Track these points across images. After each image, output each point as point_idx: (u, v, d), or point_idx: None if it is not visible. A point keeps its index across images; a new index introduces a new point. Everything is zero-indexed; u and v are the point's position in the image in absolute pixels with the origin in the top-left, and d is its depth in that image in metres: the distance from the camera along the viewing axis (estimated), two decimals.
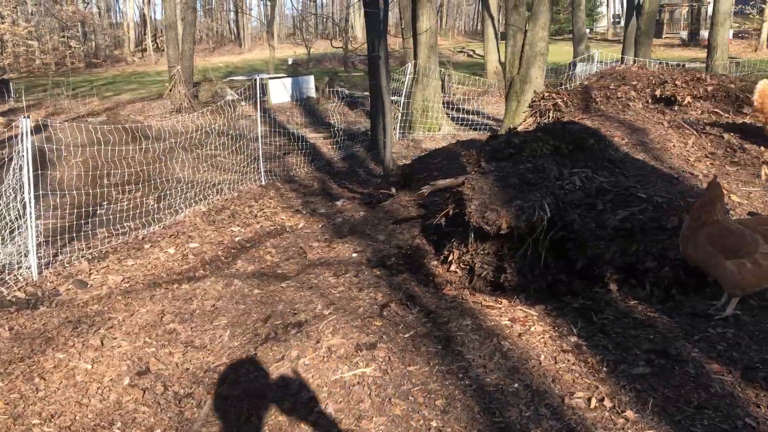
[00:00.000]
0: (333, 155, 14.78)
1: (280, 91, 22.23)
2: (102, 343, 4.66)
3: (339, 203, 10.05)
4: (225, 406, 3.65)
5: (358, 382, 3.53)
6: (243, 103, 19.09)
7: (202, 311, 5.10)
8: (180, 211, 9.67)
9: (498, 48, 29.38)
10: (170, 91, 20.99)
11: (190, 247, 8.36)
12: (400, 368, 3.66)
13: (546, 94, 7.94)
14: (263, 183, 11.68)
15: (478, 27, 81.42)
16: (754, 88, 6.74)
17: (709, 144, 6.65)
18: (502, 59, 28.23)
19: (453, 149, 9.09)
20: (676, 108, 7.89)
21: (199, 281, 5.85)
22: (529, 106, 8.12)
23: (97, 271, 7.09)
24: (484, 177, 5.21)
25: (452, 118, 18.55)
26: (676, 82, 8.08)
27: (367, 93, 18.23)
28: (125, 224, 8.61)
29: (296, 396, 3.54)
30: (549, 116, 7.70)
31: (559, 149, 5.81)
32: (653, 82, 8.23)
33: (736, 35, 39.63)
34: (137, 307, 5.29)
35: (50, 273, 6.98)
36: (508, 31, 16.14)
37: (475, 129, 17.60)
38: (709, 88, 7.92)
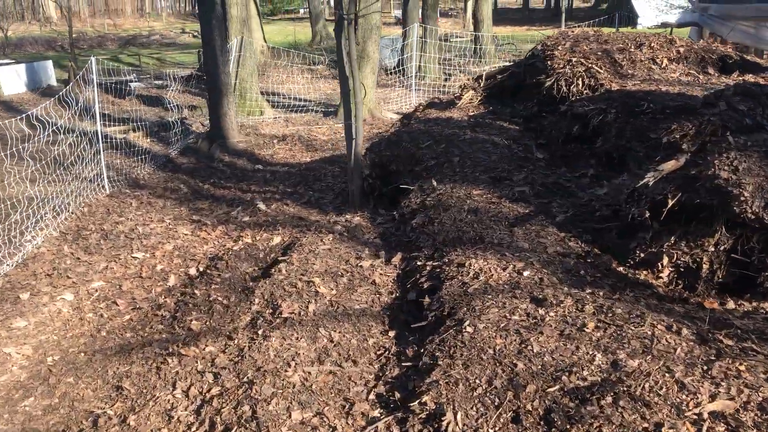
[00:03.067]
0: (165, 151, 11.92)
1: (13, 80, 17.82)
2: None
3: (261, 205, 7.70)
4: None
5: None
6: None
7: None
8: (29, 239, 6.72)
9: (261, 26, 27.39)
10: None
11: (93, 288, 5.71)
12: None
13: (573, 59, 6.52)
14: (108, 192, 8.79)
15: (187, 7, 77.33)
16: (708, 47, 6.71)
17: None
18: (266, 38, 26.38)
19: (417, 127, 7.19)
20: (658, 70, 7.06)
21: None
22: (547, 72, 6.60)
23: None
24: (743, 154, 3.60)
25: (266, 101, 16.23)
26: (652, 45, 7.24)
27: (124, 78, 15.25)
28: None
29: None
30: (579, 82, 6.27)
31: None
32: (635, 44, 7.26)
33: (443, 14, 43.09)
34: None
35: None
36: (341, 1, 14.30)
37: (305, 111, 15.53)
38: (681, 50, 7.18)
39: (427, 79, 18.94)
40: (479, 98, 8.42)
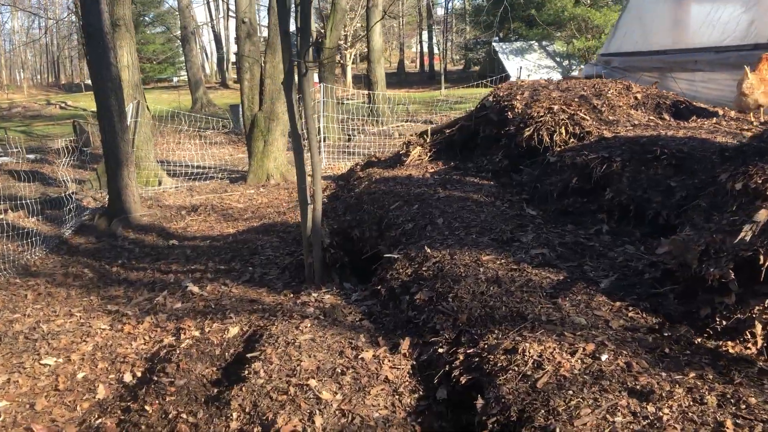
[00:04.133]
0: (56, 231, 10.44)
1: None
2: None
3: (193, 288, 6.57)
4: None
5: None
6: None
7: None
8: None
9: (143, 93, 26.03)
10: None
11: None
12: None
13: (555, 106, 5.99)
14: None
15: (50, 78, 73.59)
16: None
17: None
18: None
19: (376, 187, 6.40)
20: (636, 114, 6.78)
21: None
22: (516, 123, 6.03)
23: None
24: None
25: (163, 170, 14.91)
26: (611, 92, 6.97)
27: None
28: None
29: None
30: (562, 131, 5.75)
31: None
32: (594, 91, 6.97)
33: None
34: None
35: None
36: (243, 63, 13.57)
37: (207, 178, 14.35)
38: (639, 96, 6.96)
39: (330, 139, 18.27)
40: (428, 155, 7.73)
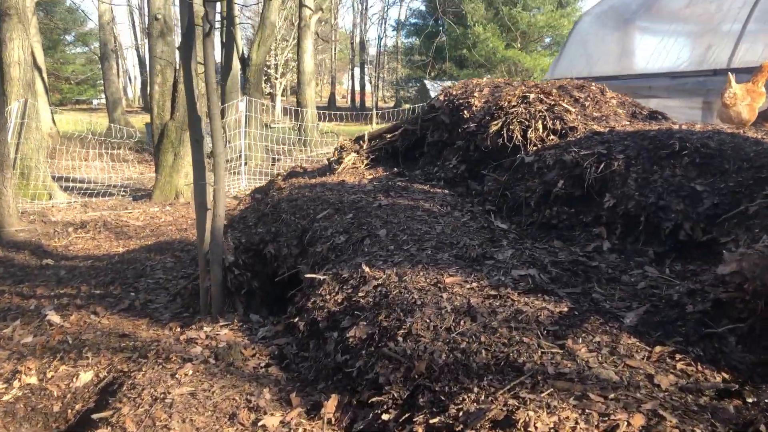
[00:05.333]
0: None
1: None
2: None
3: (53, 317, 4.95)
4: None
5: None
6: None
7: None
8: None
9: (49, 102, 23.95)
10: None
11: None
12: None
13: (531, 95, 4.73)
14: None
15: None
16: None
17: None
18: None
19: (298, 194, 4.99)
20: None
21: None
22: (491, 113, 4.75)
23: None
24: None
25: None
26: (591, 88, 5.91)
27: None
28: None
29: None
30: (539, 126, 4.50)
31: None
32: (574, 85, 5.89)
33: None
34: None
35: None
36: (155, 65, 11.98)
37: (108, 195, 12.53)
38: (614, 101, 5.88)
39: (253, 160, 16.69)
40: (365, 162, 6.35)
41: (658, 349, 2.56)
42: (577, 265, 3.35)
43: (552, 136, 4.61)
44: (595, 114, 4.83)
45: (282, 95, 50.39)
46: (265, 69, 37.52)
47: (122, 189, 13.65)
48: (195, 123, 4.64)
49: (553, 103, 4.76)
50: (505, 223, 4.21)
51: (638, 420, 2.11)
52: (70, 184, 13.40)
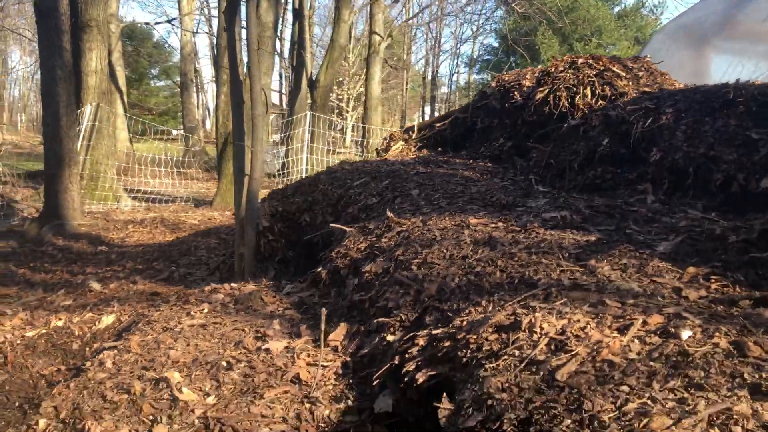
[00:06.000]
0: None
1: None
2: None
3: (95, 285, 4.96)
4: None
5: None
6: None
7: None
8: None
9: (127, 126, 24.94)
10: None
11: None
12: None
13: (579, 60, 4.50)
14: None
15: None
16: None
17: None
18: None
19: (340, 169, 4.86)
20: None
21: None
22: (538, 81, 4.54)
23: None
24: None
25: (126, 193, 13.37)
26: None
27: None
28: None
29: None
30: (587, 92, 4.26)
31: None
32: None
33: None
34: None
35: None
36: (221, 75, 12.25)
37: (171, 201, 12.81)
38: (673, 78, 5.49)
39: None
40: (414, 150, 6.21)
41: (691, 270, 2.31)
42: (614, 208, 3.11)
43: (601, 102, 4.38)
44: (649, 83, 4.57)
45: (353, 131, 51.02)
46: (337, 102, 38.23)
47: (187, 199, 13.96)
48: (237, 86, 4.64)
49: (602, 68, 4.54)
50: (547, 187, 3.99)
51: (656, 319, 1.88)
52: (139, 195, 13.80)
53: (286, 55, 32.54)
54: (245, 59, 4.83)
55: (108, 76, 13.67)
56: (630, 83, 4.46)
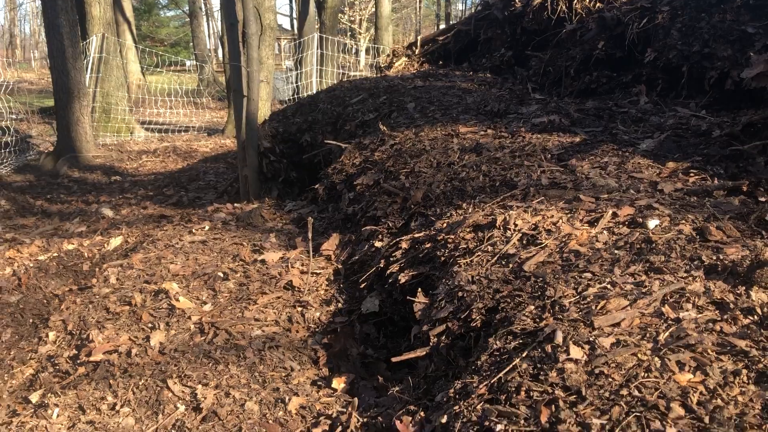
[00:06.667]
0: None
1: None
2: None
3: (107, 211, 5.05)
4: None
5: None
6: None
7: None
8: None
9: (138, 59, 24.71)
10: None
11: None
12: None
13: None
14: None
15: None
16: None
17: None
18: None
19: (339, 86, 4.82)
20: None
21: None
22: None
23: None
24: None
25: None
26: None
27: None
28: None
29: None
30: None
31: None
32: None
33: None
34: None
35: None
36: None
37: (184, 131, 12.85)
38: None
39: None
40: (416, 66, 6.12)
41: (671, 165, 2.33)
42: (603, 110, 3.10)
43: (599, 5, 4.28)
44: None
45: (367, 53, 50.06)
46: (350, 24, 37.38)
47: (200, 129, 13.99)
48: (229, 5, 4.59)
49: None
50: (543, 95, 3.96)
51: (626, 211, 1.92)
52: (153, 126, 13.84)
53: None
54: None
55: (113, 6, 13.49)
56: None
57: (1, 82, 10.84)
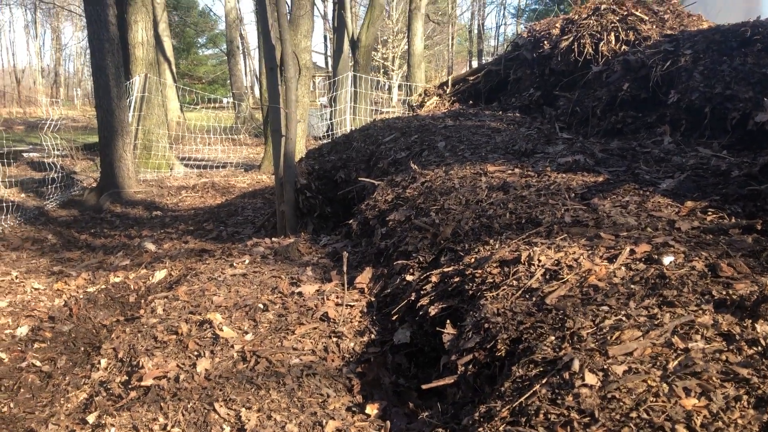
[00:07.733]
0: (38, 204, 9.34)
1: None
2: None
3: (149, 246, 5.31)
4: None
5: None
6: None
7: None
8: None
9: (178, 96, 25.43)
10: None
11: None
12: None
13: (602, 6, 4.54)
14: None
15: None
16: None
17: None
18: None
19: (372, 126, 4.99)
20: None
21: None
22: (562, 29, 4.59)
23: None
24: None
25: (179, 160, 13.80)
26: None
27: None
28: None
29: None
30: (611, 38, 4.28)
31: None
32: None
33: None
34: None
35: None
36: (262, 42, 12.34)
37: (222, 167, 13.20)
38: (702, 20, 5.36)
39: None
40: (447, 105, 6.32)
41: (689, 204, 2.44)
42: (626, 151, 3.23)
43: (625, 47, 4.43)
44: (674, 26, 4.58)
45: (399, 90, 50.66)
46: (382, 62, 37.98)
47: (237, 165, 14.36)
48: (269, 51, 4.84)
49: (625, 13, 4.57)
50: (570, 134, 4.10)
51: (643, 248, 2.04)
52: (192, 162, 14.25)
53: (330, 16, 32.59)
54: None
55: (155, 47, 14.03)
56: (654, 27, 4.48)
57: (48, 120, 11.26)
